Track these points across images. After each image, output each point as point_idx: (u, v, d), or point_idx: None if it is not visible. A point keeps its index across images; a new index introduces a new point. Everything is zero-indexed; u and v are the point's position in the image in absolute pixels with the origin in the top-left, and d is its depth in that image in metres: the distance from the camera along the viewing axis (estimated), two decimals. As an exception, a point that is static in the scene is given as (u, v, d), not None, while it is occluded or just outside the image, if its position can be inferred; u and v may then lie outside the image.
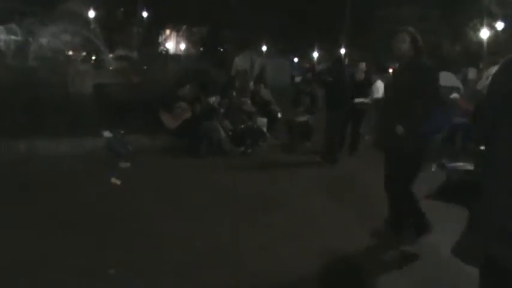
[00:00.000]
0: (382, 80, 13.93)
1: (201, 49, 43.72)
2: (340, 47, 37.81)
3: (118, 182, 7.61)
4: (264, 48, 44.18)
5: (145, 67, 16.74)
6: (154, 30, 41.27)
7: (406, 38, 5.35)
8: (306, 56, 51.70)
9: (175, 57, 34.02)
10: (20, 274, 4.35)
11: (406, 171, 5.36)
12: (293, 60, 44.17)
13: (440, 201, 4.33)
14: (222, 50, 41.54)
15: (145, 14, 40.62)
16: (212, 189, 7.67)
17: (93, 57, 21.19)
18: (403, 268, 4.97)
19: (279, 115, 13.27)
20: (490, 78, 2.28)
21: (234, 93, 12.35)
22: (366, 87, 11.24)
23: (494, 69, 2.76)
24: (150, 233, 5.56)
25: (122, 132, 9.80)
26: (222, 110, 11.36)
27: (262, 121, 11.93)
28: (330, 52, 43.03)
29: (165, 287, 4.37)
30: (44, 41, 14.75)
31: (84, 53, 20.90)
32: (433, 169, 8.72)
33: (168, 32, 46.72)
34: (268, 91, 13.98)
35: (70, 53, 18.14)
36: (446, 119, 11.69)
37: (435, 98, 5.41)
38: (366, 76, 11.33)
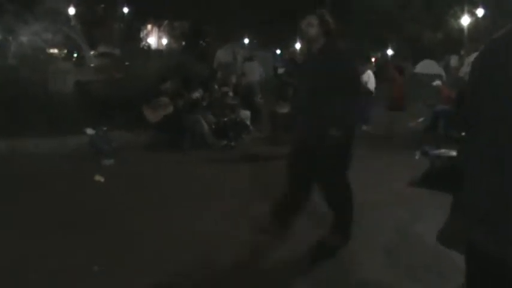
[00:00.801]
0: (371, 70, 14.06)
1: (183, 43, 43.57)
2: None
3: (102, 179, 7.54)
4: (246, 40, 44.12)
5: (127, 63, 16.64)
6: (135, 25, 41.09)
7: (313, 21, 4.84)
8: (288, 47, 51.73)
9: (158, 52, 33.85)
10: (12, 274, 4.34)
11: (332, 169, 4.92)
12: (275, 52, 44.12)
13: (424, 189, 4.31)
14: (204, 44, 41.43)
15: (126, 10, 40.42)
16: (198, 184, 7.63)
17: (75, 55, 21.05)
18: (388, 257, 4.97)
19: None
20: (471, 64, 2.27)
21: (216, 87, 12.29)
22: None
23: (475, 55, 2.74)
24: (145, 231, 5.51)
25: (105, 129, 9.71)
26: (204, 104, 11.31)
27: (246, 114, 11.89)
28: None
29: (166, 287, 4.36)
30: (24, 39, 14.60)
31: (65, 51, 20.74)
32: (416, 157, 8.71)
33: (149, 27, 46.57)
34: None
35: (51, 51, 18.01)
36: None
37: (354, 88, 4.94)
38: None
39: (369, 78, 13.44)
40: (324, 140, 4.68)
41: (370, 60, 17.84)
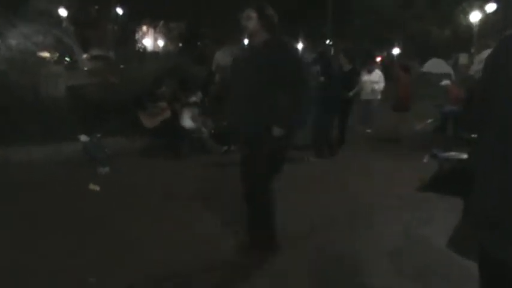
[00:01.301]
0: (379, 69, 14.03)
1: (180, 45, 43.58)
2: (325, 37, 37.87)
3: (97, 188, 7.53)
4: (246, 41, 44.13)
5: (122, 66, 16.64)
6: (130, 27, 41.10)
7: (252, 14, 4.73)
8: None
9: (154, 54, 33.84)
10: (12, 274, 4.49)
11: (261, 170, 4.80)
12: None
13: (432, 193, 4.29)
14: (202, 45, 41.44)
15: (120, 11, 40.44)
16: (198, 188, 7.65)
17: (67, 58, 21.00)
18: (395, 261, 4.97)
19: None
20: (482, 62, 2.27)
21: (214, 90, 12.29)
22: (353, 78, 11.21)
23: (486, 53, 2.71)
24: (145, 233, 5.61)
25: (99, 135, 9.71)
26: (203, 108, 11.31)
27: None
28: (314, 43, 43.15)
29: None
30: (13, 42, 14.60)
31: (57, 54, 20.69)
32: (425, 160, 8.74)
33: (145, 28, 46.57)
34: None
35: (42, 54, 17.98)
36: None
37: (302, 85, 4.70)
38: (353, 67, 11.26)
39: (379, 78, 13.41)
40: (264, 139, 4.61)
41: (375, 59, 17.69)
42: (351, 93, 10.84)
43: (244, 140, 4.91)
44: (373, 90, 13.21)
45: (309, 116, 5.16)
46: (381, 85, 13.36)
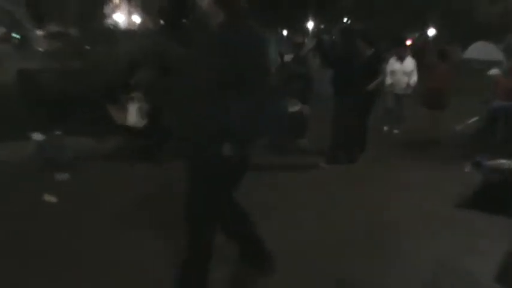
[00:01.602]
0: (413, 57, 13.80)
1: (161, 22, 43.56)
2: (341, 16, 37.98)
3: (53, 199, 7.53)
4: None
5: (87, 47, 16.65)
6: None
7: None
8: (297, 28, 51.75)
9: (128, 32, 33.87)
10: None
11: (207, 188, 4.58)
12: (281, 34, 44.21)
13: (475, 211, 4.24)
14: (188, 22, 41.39)
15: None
16: (180, 200, 7.61)
17: (15, 35, 20.98)
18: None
19: None
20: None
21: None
22: (375, 66, 11.01)
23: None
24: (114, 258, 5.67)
25: (58, 133, 9.69)
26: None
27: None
28: (329, 22, 43.28)
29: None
30: None
31: (2, 29, 20.66)
32: (466, 169, 8.73)
33: (117, 0, 46.60)
34: None
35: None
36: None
37: (263, 84, 4.36)
38: (375, 51, 11.01)
39: (413, 67, 13.18)
40: (212, 158, 4.32)
41: (404, 42, 16.89)
42: (371, 86, 10.64)
43: (188, 153, 4.71)
44: (408, 85, 13.03)
45: (273, 124, 4.86)
46: (415, 77, 13.11)
